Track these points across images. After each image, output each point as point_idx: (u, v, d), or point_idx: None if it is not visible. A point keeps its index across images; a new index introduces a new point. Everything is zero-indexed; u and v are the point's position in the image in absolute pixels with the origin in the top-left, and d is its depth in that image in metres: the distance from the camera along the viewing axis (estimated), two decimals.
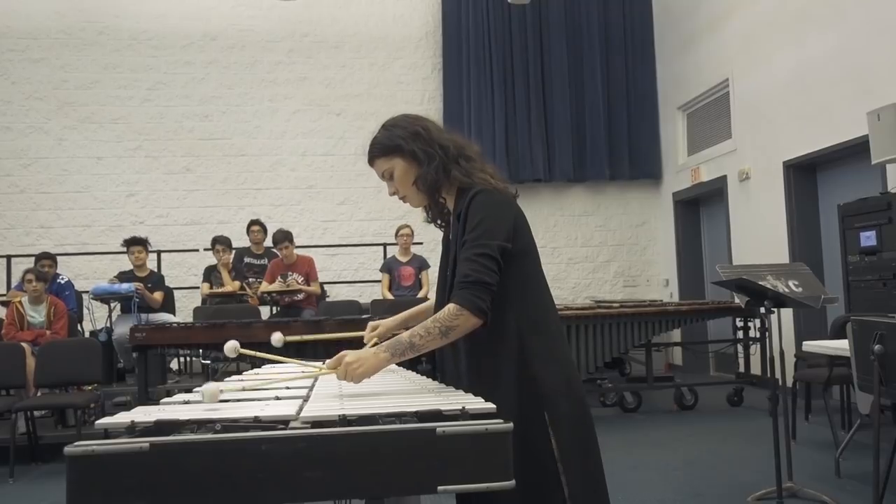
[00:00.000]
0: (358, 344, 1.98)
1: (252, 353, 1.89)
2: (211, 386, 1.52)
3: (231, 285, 7.11)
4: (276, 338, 2.12)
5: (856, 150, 5.76)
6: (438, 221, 1.92)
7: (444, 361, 1.88)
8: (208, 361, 6.32)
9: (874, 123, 5.20)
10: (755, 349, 6.47)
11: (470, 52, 9.03)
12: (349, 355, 1.62)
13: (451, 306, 1.65)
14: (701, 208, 8.93)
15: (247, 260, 7.45)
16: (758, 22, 7.12)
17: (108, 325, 6.66)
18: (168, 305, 7.11)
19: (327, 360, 1.75)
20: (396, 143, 1.82)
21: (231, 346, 1.84)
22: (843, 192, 6.04)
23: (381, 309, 6.40)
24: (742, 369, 6.81)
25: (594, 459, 1.74)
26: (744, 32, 7.37)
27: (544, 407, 1.67)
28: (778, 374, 3.56)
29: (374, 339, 2.06)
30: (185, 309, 7.82)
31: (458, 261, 1.71)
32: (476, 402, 1.39)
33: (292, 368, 2.07)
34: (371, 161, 1.88)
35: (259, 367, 2.40)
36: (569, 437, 1.68)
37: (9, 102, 8.61)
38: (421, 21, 9.30)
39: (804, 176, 6.69)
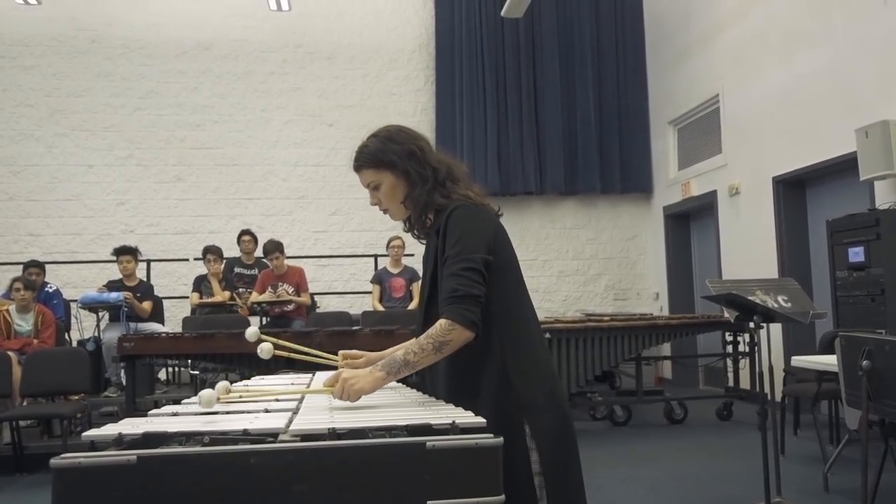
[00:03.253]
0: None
1: (279, 341, 1.88)
2: (209, 392, 1.54)
3: (221, 295, 7.09)
4: (251, 332, 1.96)
5: (844, 167, 5.81)
6: (415, 232, 1.91)
7: (423, 373, 1.88)
8: (197, 372, 6.28)
9: (862, 140, 5.25)
10: (744, 363, 6.49)
11: (462, 64, 9.08)
12: (346, 372, 1.62)
13: (442, 321, 1.65)
14: (691, 222, 8.98)
15: (237, 270, 7.43)
16: (748, 39, 7.19)
17: (97, 334, 6.62)
18: (157, 315, 7.08)
19: (325, 378, 1.74)
20: (390, 159, 1.80)
21: (252, 332, 1.84)
22: (831, 208, 6.09)
23: (371, 320, 6.38)
24: (731, 384, 6.82)
25: (575, 473, 1.73)
26: (734, 49, 7.44)
27: (525, 419, 1.67)
28: (767, 389, 3.57)
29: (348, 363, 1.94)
30: (175, 319, 7.78)
31: (443, 276, 1.71)
32: (466, 417, 1.39)
33: (283, 382, 2.06)
34: (358, 168, 1.86)
35: (248, 378, 2.39)
36: (550, 449, 1.67)
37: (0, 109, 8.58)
38: (414, 33, 9.34)
39: (793, 191, 6.74)
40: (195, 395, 1.72)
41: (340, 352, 2.04)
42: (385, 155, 1.81)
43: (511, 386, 1.69)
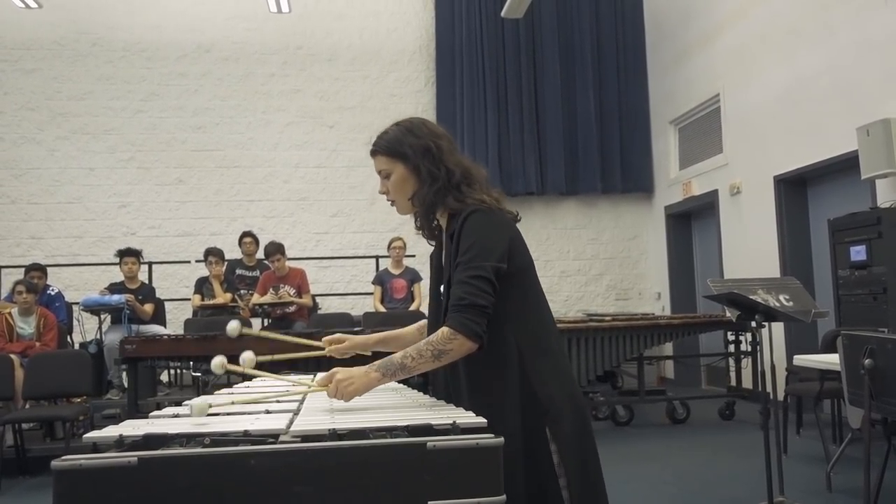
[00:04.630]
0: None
1: (240, 369, 1.81)
2: (199, 400, 1.51)
3: (222, 297, 7.09)
4: (247, 357, 1.88)
5: (846, 166, 5.80)
6: (424, 233, 1.89)
7: (436, 377, 1.86)
8: (199, 374, 6.28)
9: (863, 139, 5.25)
10: (746, 363, 6.48)
11: (463, 65, 9.08)
12: (340, 373, 1.61)
13: (444, 329, 1.62)
14: (692, 222, 8.97)
15: (239, 272, 7.43)
16: (749, 38, 7.18)
17: (99, 336, 6.62)
18: (159, 317, 7.08)
19: (318, 376, 1.74)
20: (404, 151, 1.77)
21: (218, 363, 1.76)
22: (833, 207, 6.08)
23: (373, 321, 6.38)
24: (733, 383, 6.81)
25: (595, 472, 1.73)
26: (735, 48, 7.44)
27: (546, 423, 1.66)
28: (769, 388, 3.57)
29: (332, 349, 2.03)
30: (176, 321, 7.79)
31: (452, 283, 1.68)
32: (467, 417, 1.39)
33: (282, 383, 2.05)
34: (374, 153, 1.83)
35: (250, 380, 2.38)
36: (571, 451, 1.67)
37: (1, 113, 8.59)
38: (414, 35, 9.35)
39: (795, 190, 6.74)
40: (197, 396, 1.72)
41: (325, 338, 2.05)
42: (400, 146, 1.78)
43: (533, 392, 1.67)
